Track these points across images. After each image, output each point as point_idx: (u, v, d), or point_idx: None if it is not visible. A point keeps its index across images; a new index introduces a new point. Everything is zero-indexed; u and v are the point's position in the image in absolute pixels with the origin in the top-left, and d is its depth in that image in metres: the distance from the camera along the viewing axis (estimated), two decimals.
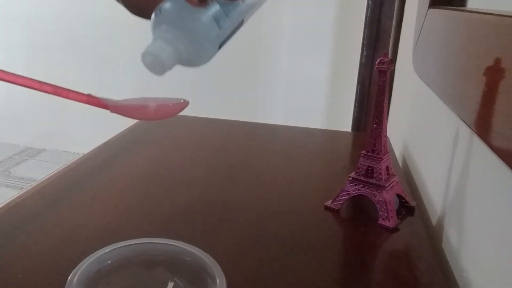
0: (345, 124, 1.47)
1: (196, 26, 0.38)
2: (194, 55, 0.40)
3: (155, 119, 0.43)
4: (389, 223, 0.61)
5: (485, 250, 0.47)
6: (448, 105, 0.55)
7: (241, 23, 0.43)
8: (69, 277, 0.39)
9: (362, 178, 0.64)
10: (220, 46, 0.41)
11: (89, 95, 0.37)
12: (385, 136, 0.63)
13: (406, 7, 1.17)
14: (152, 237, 0.46)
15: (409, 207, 0.67)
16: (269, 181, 0.78)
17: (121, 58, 2.28)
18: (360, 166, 0.65)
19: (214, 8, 0.39)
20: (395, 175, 0.66)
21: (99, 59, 2.34)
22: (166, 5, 0.39)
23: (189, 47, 0.38)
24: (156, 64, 0.37)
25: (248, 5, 0.43)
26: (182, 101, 0.41)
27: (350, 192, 0.65)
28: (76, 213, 0.63)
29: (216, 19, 0.39)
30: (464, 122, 0.47)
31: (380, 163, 0.63)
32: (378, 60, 0.60)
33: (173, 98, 0.42)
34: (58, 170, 0.77)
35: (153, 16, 0.39)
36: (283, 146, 0.97)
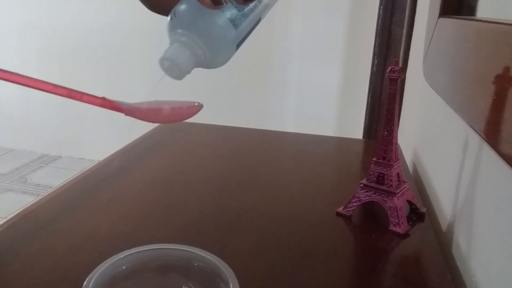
0: (357, 131, 1.47)
1: (212, 29, 0.38)
2: (212, 58, 0.39)
3: (169, 122, 0.43)
4: (400, 229, 0.61)
5: (494, 255, 0.47)
6: (457, 113, 0.55)
7: (258, 21, 0.42)
8: (85, 282, 0.39)
9: (373, 184, 0.65)
10: (238, 46, 0.40)
11: (103, 98, 0.37)
12: (396, 143, 0.64)
13: (417, 16, 1.17)
14: (166, 243, 0.47)
15: (420, 213, 0.67)
16: (281, 187, 0.78)
17: (135, 64, 2.30)
18: (371, 173, 0.65)
19: (230, 9, 0.38)
20: (405, 181, 0.66)
21: (113, 65, 2.37)
22: (181, 9, 0.38)
23: (206, 50, 0.38)
24: (174, 69, 0.37)
25: (264, 4, 0.42)
26: (196, 104, 0.41)
27: (361, 198, 0.66)
28: (91, 219, 0.64)
29: (232, 20, 0.38)
30: (474, 129, 0.47)
31: (391, 170, 0.63)
32: (389, 69, 0.61)
33: (187, 101, 0.41)
34: (73, 177, 0.78)
35: (168, 19, 0.38)
36: (295, 153, 0.98)
